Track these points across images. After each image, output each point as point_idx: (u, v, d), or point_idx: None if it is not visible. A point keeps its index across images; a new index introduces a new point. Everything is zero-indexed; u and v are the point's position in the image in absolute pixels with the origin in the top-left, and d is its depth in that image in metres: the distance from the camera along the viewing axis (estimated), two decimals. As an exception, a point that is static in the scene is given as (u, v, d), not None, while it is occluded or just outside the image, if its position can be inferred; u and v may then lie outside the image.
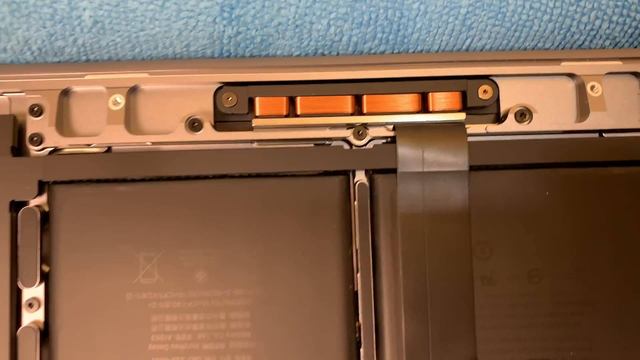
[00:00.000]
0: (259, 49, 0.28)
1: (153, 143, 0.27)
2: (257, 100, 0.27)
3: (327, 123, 0.27)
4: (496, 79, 0.28)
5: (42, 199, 0.27)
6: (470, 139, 0.26)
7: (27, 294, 0.27)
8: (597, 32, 0.29)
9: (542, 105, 0.28)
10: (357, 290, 0.27)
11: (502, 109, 0.28)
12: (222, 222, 0.26)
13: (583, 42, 0.29)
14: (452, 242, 0.26)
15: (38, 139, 0.27)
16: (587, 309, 0.26)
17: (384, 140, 0.27)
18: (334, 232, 0.26)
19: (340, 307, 0.26)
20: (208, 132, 0.27)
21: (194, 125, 0.27)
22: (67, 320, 0.26)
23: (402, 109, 0.27)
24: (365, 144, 0.27)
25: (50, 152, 0.27)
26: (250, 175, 0.27)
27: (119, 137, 0.27)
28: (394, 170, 0.26)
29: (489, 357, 0.26)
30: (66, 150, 0.27)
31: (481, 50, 0.29)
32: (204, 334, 0.26)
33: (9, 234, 0.26)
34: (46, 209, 0.27)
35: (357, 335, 0.26)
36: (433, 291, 0.26)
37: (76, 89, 0.27)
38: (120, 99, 0.27)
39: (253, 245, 0.27)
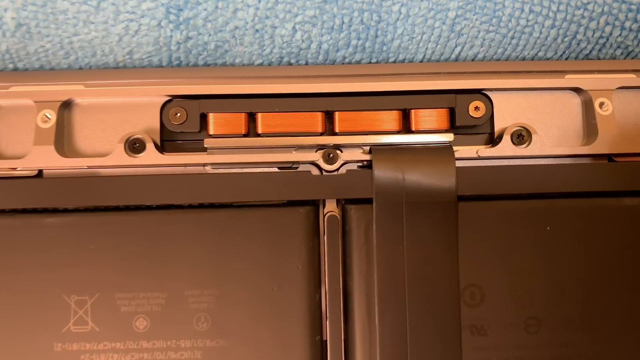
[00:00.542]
0: (213, 57, 0.27)
1: (89, 167, 0.26)
2: (211, 116, 0.26)
3: (293, 144, 0.26)
4: (490, 94, 0.27)
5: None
6: (458, 163, 0.25)
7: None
8: (607, 40, 0.28)
9: (542, 124, 0.27)
10: (325, 341, 0.25)
11: (497, 128, 0.27)
12: (168, 261, 0.25)
13: (590, 52, 0.28)
14: (437, 285, 0.25)
15: (-47, 162, 0.25)
16: (594, 365, 0.25)
17: (358, 165, 0.26)
18: (299, 273, 0.25)
19: (305, 362, 0.25)
20: (151, 155, 0.25)
21: (134, 146, 0.26)
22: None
23: (380, 128, 0.26)
24: (337, 169, 0.26)
25: (-32, 177, 0.26)
26: (201, 206, 0.26)
27: (49, 160, 0.25)
28: (370, 200, 0.25)
29: (480, 421, 0.25)
30: (-13, 175, 0.26)
31: (472, 60, 0.28)
32: (145, 393, 0.25)
33: None
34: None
35: (325, 394, 0.25)
36: (414, 343, 0.24)
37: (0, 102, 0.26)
38: (51, 114, 0.25)
39: (203, 288, 0.25)
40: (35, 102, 0.25)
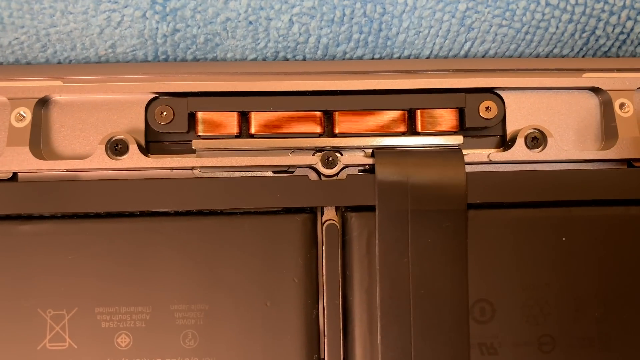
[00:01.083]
0: (202, 51, 0.27)
1: (68, 170, 0.25)
2: (200, 115, 0.25)
3: (289, 146, 0.25)
4: (502, 94, 0.26)
5: None
6: (468, 168, 0.25)
7: None
8: (628, 36, 0.27)
9: (558, 127, 0.27)
10: (323, 359, 0.25)
11: (509, 131, 0.26)
12: (153, 273, 0.24)
13: (610, 49, 0.28)
14: (445, 300, 0.24)
15: None
16: (613, 386, 0.25)
17: (360, 169, 0.26)
18: (295, 286, 0.25)
19: (302, 383, 0.25)
20: (135, 157, 0.25)
21: (117, 147, 0.25)
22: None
23: (384, 130, 0.26)
24: (337, 174, 0.26)
25: None
26: (189, 213, 0.25)
27: (23, 163, 0.25)
28: (372, 208, 0.25)
29: None
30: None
31: (483, 56, 0.28)
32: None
33: None
34: None
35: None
36: None
37: (-29, 99, 0.25)
38: (26, 113, 0.25)
39: (191, 303, 0.24)
40: (8, 99, 0.25)
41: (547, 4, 0.26)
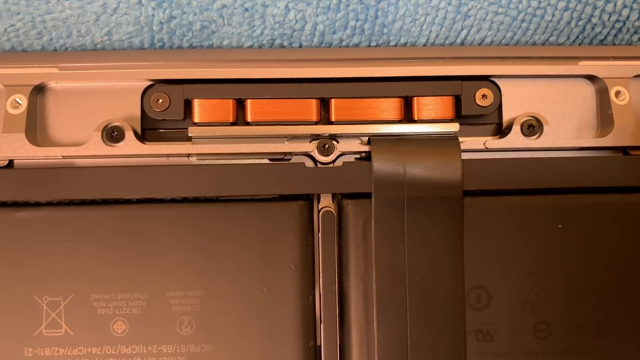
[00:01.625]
0: (198, 38, 0.27)
1: (64, 157, 0.25)
2: (196, 102, 0.25)
3: (285, 134, 0.25)
4: (498, 81, 0.26)
5: None
6: (464, 155, 0.25)
7: None
8: (624, 24, 0.27)
9: (554, 115, 0.27)
10: (319, 346, 0.25)
11: (505, 118, 0.26)
12: (149, 259, 0.24)
13: (606, 37, 0.28)
14: (441, 287, 0.24)
15: None
16: (609, 373, 0.25)
17: (356, 157, 0.26)
18: (291, 273, 0.25)
19: (298, 369, 0.25)
20: (131, 144, 0.25)
21: (113, 134, 0.25)
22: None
23: (380, 117, 0.26)
24: (333, 161, 0.26)
25: None
26: (185, 200, 0.25)
27: (19, 149, 0.25)
28: (368, 195, 0.25)
29: None
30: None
31: (480, 44, 0.28)
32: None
33: None
34: None
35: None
36: (415, 349, 0.24)
37: (-34, 86, 0.25)
38: (22, 100, 0.25)
39: (187, 289, 0.24)
40: (4, 86, 0.25)
41: (543, -8, 0.26)
